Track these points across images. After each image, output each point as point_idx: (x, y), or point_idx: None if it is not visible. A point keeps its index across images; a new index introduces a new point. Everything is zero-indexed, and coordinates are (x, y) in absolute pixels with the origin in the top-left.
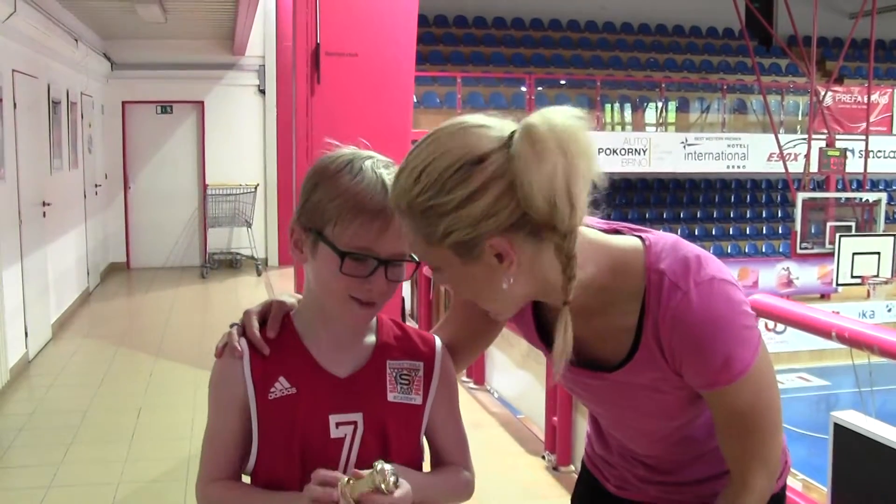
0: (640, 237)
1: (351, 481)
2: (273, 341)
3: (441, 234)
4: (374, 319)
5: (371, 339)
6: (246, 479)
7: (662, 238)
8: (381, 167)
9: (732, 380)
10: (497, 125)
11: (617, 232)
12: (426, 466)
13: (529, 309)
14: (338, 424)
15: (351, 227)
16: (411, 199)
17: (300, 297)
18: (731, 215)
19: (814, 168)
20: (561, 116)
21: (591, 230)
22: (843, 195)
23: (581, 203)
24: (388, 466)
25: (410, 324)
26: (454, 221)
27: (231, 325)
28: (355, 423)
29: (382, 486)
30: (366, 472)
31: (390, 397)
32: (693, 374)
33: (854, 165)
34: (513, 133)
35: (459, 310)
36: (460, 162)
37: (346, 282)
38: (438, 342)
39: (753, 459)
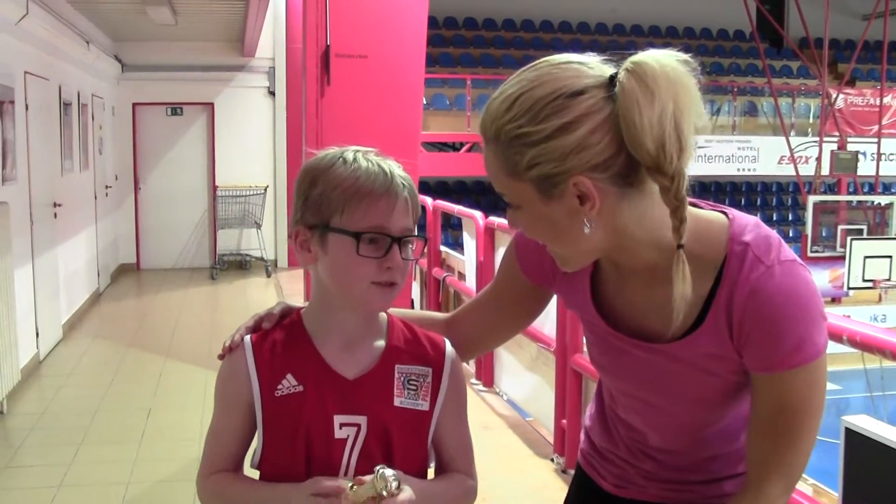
0: (722, 212)
1: (354, 488)
2: (283, 339)
3: (526, 165)
4: (385, 321)
5: (380, 342)
6: (254, 472)
7: (745, 215)
8: (372, 156)
9: (801, 363)
10: (598, 65)
11: (695, 206)
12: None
13: (588, 270)
14: (341, 425)
15: (359, 209)
16: (500, 125)
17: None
18: None
19: (825, 171)
20: (668, 57)
21: None
22: (855, 198)
23: (690, 145)
24: (389, 472)
25: None
26: (542, 152)
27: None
28: (359, 425)
29: (384, 491)
30: (368, 477)
31: (397, 402)
32: (759, 354)
33: (866, 168)
34: (614, 75)
35: (496, 296)
36: (557, 93)
37: (365, 266)
38: (449, 347)
39: (778, 465)
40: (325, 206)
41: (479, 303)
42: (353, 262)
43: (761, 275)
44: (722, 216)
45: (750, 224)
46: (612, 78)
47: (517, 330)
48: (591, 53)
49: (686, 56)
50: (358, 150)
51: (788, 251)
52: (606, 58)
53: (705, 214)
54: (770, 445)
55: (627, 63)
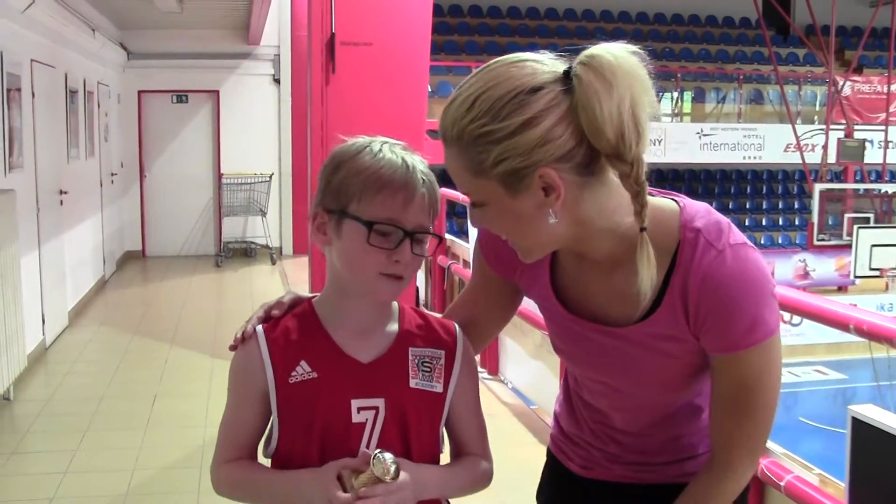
0: (673, 199)
1: (358, 477)
2: (295, 327)
3: (492, 163)
4: (396, 307)
5: (393, 326)
6: (267, 461)
7: (695, 202)
8: (399, 149)
9: (755, 342)
10: (551, 62)
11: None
12: (445, 456)
13: (547, 260)
14: (359, 409)
15: (376, 199)
16: (462, 126)
17: (317, 295)
18: (747, 206)
19: (832, 159)
20: (621, 49)
21: None
22: (862, 186)
23: (646, 132)
24: (387, 455)
25: None
26: (507, 149)
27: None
28: (377, 408)
29: (387, 477)
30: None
31: (412, 384)
32: (715, 336)
33: (873, 156)
34: (567, 70)
35: (474, 292)
36: (517, 90)
37: (374, 256)
38: (459, 331)
39: (743, 442)
40: (344, 191)
41: (462, 301)
42: (362, 251)
43: (713, 259)
44: (673, 203)
45: (701, 210)
46: (567, 73)
47: (502, 323)
48: (543, 51)
49: (634, 46)
50: (386, 142)
51: (738, 234)
52: (559, 53)
53: (657, 202)
54: (733, 423)
55: (583, 57)
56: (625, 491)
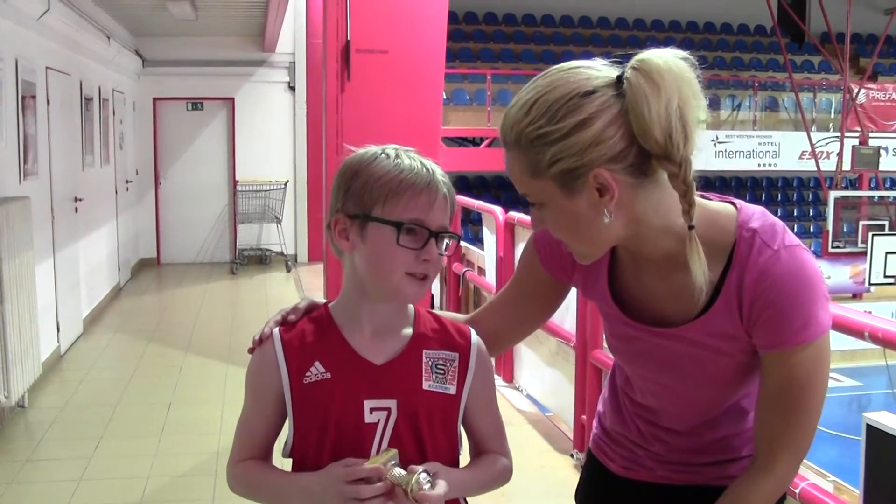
0: (730, 202)
1: (395, 469)
2: (311, 329)
3: (547, 163)
4: (412, 311)
5: (408, 330)
6: (286, 462)
7: (751, 205)
8: (414, 153)
9: (807, 340)
10: (604, 68)
11: (705, 197)
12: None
13: (605, 262)
14: (372, 410)
15: (401, 200)
16: (520, 129)
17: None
18: None
19: (846, 166)
20: (670, 54)
21: None
22: (877, 193)
23: (694, 134)
24: (423, 476)
25: None
26: (562, 149)
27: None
28: (389, 409)
29: (409, 488)
30: (399, 470)
31: (425, 385)
32: (767, 332)
33: (888, 163)
34: (620, 75)
35: (513, 296)
36: (571, 94)
37: (402, 256)
38: (474, 334)
39: (788, 442)
40: (367, 196)
41: (499, 302)
42: (391, 252)
43: (769, 258)
44: (730, 206)
45: (756, 213)
46: (619, 78)
47: (537, 325)
48: (597, 59)
49: (685, 53)
50: (399, 148)
51: (792, 237)
52: (612, 60)
53: (714, 205)
54: (779, 422)
55: (633, 62)
56: (664, 492)
